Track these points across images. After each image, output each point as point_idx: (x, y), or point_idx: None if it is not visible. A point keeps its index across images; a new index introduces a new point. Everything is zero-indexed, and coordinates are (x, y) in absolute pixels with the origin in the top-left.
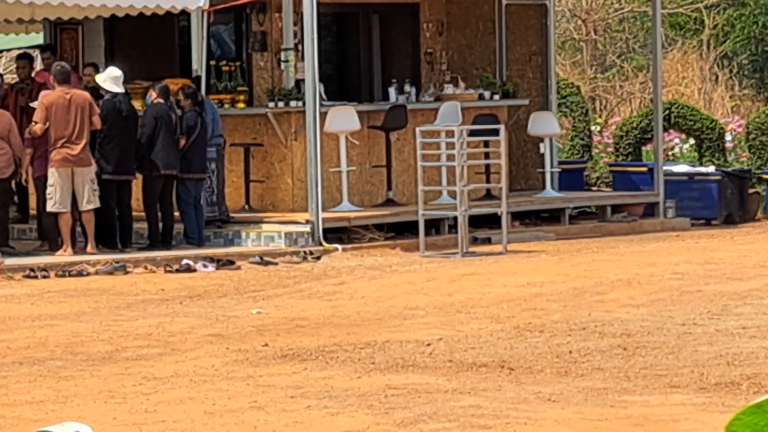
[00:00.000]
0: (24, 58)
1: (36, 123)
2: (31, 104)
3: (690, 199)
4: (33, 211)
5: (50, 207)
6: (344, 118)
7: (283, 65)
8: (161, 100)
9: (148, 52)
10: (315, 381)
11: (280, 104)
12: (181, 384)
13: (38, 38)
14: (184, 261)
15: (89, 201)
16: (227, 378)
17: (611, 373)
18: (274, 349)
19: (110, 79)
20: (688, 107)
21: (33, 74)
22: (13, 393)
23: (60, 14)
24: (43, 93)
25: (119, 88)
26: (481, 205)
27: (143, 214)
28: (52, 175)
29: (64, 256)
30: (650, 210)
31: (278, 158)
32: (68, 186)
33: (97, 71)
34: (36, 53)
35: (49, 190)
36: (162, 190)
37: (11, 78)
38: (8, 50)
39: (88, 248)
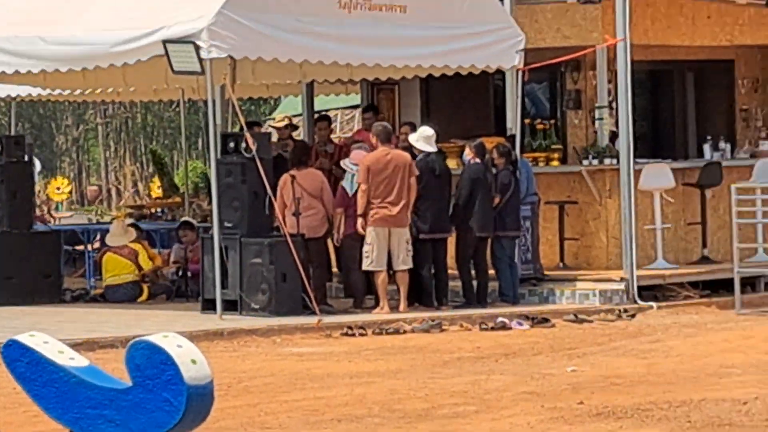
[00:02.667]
0: (324, 120)
1: (360, 184)
2: (341, 163)
3: None
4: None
5: (366, 266)
6: (659, 175)
7: (597, 123)
8: (478, 160)
9: (463, 111)
10: None
11: (594, 162)
12: None
13: (356, 98)
14: (499, 318)
15: (404, 261)
16: None
17: None
18: (589, 407)
19: (422, 138)
20: None
21: (353, 133)
22: None
23: (377, 75)
24: (355, 153)
25: (432, 148)
26: None
27: (457, 272)
28: (370, 233)
29: (380, 314)
30: None
31: (592, 216)
32: (385, 245)
33: (414, 130)
34: (353, 113)
35: (366, 248)
36: (476, 248)
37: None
38: (327, 110)
39: (401, 307)
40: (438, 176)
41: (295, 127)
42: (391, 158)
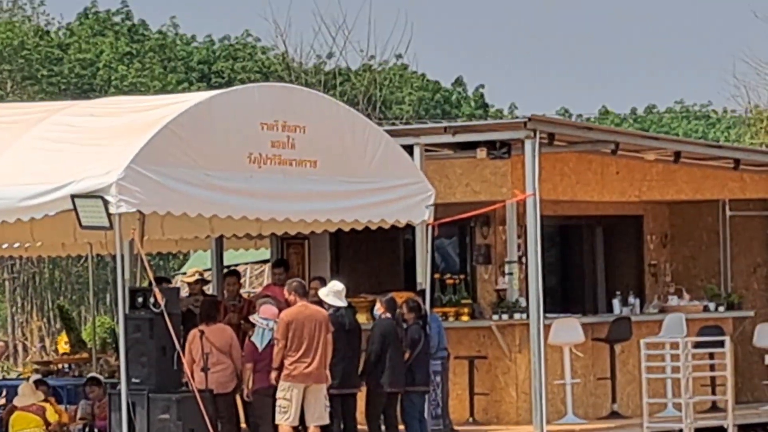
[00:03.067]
0: (233, 275)
1: (278, 340)
2: (251, 318)
3: None
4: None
5: (281, 420)
6: (568, 330)
7: (506, 278)
8: (389, 315)
9: (373, 266)
10: None
11: (504, 317)
12: None
13: (266, 253)
14: None
15: (320, 417)
16: None
17: None
18: None
19: (332, 293)
20: None
21: (262, 288)
22: None
23: (287, 229)
24: (265, 307)
25: (342, 302)
26: (707, 417)
27: (366, 427)
28: (289, 389)
29: None
30: None
31: (503, 370)
32: (300, 401)
33: (324, 285)
34: (263, 268)
35: (283, 403)
36: (386, 403)
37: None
38: (236, 265)
39: None
40: (348, 331)
41: (206, 282)
42: (309, 314)
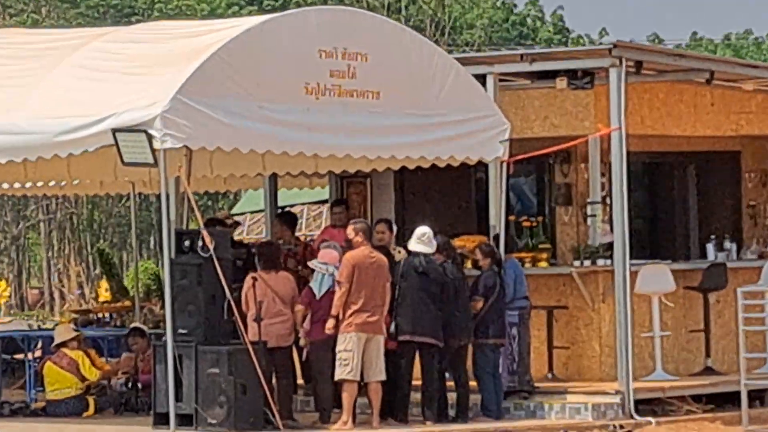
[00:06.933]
0: (288, 222)
1: (341, 283)
2: (309, 263)
3: None
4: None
5: (343, 374)
6: (657, 277)
7: (589, 220)
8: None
9: (442, 207)
10: None
11: (587, 263)
12: None
13: (323, 193)
14: None
15: (381, 371)
16: None
17: None
18: None
19: (416, 239)
20: None
21: (321, 231)
22: None
23: (346, 167)
24: (324, 251)
25: (426, 248)
26: None
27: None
28: (350, 340)
29: (343, 429)
30: None
31: (584, 322)
32: (361, 353)
33: (391, 228)
34: (321, 209)
35: (345, 355)
36: (454, 357)
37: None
38: (292, 206)
39: (374, 423)
40: (420, 273)
41: (238, 224)
42: (374, 259)
